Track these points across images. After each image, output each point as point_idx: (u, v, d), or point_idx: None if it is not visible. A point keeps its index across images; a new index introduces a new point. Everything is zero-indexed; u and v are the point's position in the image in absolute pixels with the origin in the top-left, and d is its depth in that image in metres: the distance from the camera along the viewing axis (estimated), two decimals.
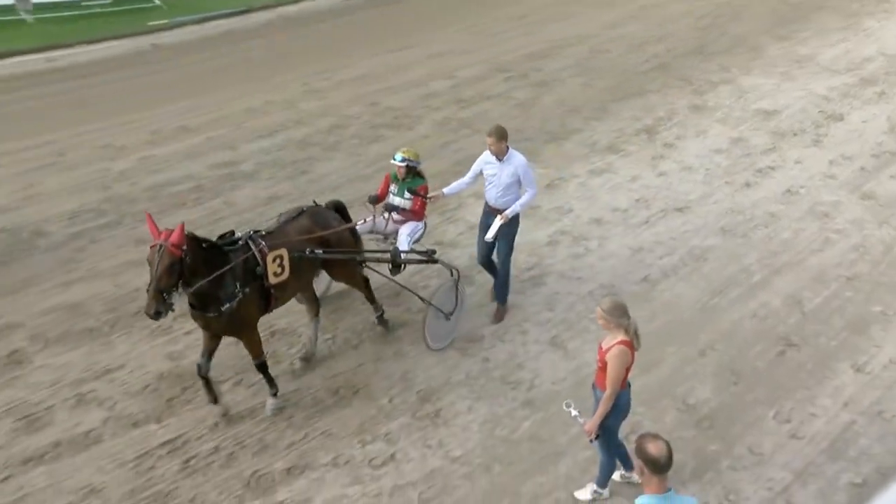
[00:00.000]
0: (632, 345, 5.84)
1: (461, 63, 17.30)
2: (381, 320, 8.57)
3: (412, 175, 8.46)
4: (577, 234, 10.57)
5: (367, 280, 8.39)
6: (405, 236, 8.41)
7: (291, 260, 7.06)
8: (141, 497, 6.63)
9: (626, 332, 5.84)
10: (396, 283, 8.44)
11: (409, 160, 8.37)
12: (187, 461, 6.98)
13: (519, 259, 9.92)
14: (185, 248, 6.26)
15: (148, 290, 6.19)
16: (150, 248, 6.25)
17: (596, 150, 13.05)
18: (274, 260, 6.91)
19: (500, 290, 8.80)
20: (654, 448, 4.50)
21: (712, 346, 8.39)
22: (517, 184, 8.19)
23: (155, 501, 6.60)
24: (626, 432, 7.10)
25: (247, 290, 6.81)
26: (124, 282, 9.61)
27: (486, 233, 8.30)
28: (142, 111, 15.19)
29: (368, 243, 8.80)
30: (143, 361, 8.24)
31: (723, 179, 12.01)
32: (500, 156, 8.13)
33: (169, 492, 6.68)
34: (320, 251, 7.45)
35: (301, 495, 6.65)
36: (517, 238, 8.62)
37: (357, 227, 8.46)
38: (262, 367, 7.37)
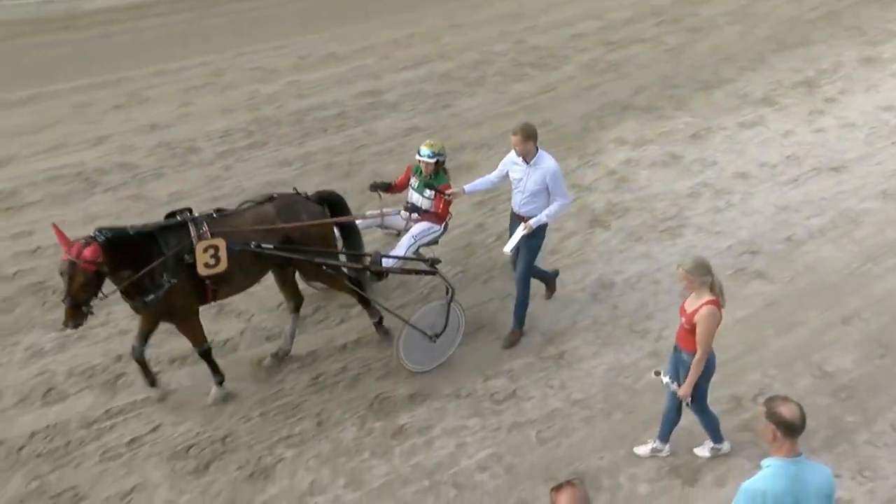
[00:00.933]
0: (719, 303, 5.60)
1: (612, 4, 16.77)
2: (382, 333, 7.60)
3: (437, 171, 7.60)
4: (719, 187, 10.14)
5: (359, 283, 7.38)
6: (408, 238, 7.54)
7: (231, 252, 6.33)
8: (271, 406, 6.93)
9: (712, 290, 5.60)
10: (362, 293, 7.39)
11: (438, 154, 7.50)
12: (316, 378, 7.23)
13: (658, 208, 9.66)
14: (100, 260, 5.77)
15: (63, 302, 5.86)
16: (62, 259, 5.80)
17: (748, 101, 12.42)
18: (206, 250, 6.20)
19: (517, 312, 7.64)
20: (786, 410, 4.30)
21: (859, 315, 7.91)
22: (545, 192, 7.15)
23: (283, 412, 6.88)
24: (755, 394, 6.88)
25: (174, 280, 6.16)
26: None
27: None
28: (292, 37, 15.57)
29: (374, 241, 8.35)
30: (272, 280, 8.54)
31: (889, 139, 11.19)
32: (526, 157, 7.09)
33: (297, 404, 6.95)
34: (270, 246, 6.56)
35: (422, 422, 6.78)
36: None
37: (363, 222, 7.75)
38: (205, 355, 6.80)
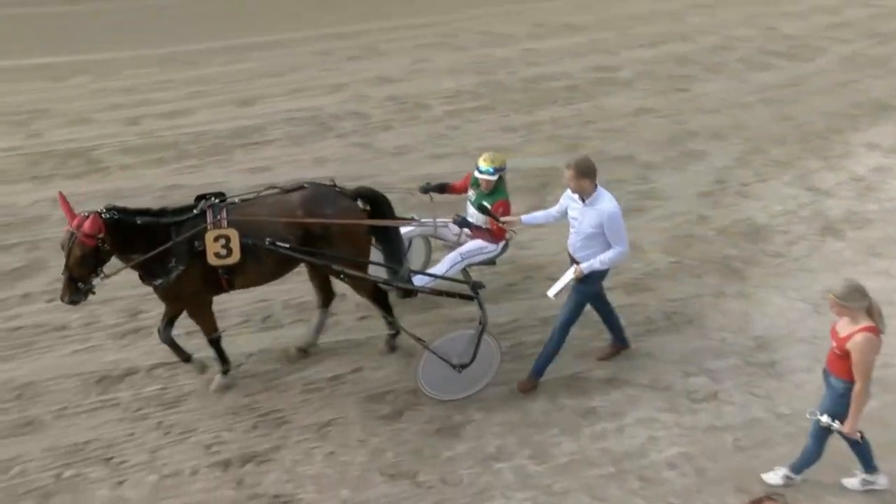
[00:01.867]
0: (878, 330, 5.03)
1: None
2: (391, 340, 7.07)
3: (497, 185, 6.82)
4: None
5: (381, 293, 6.74)
6: (454, 255, 6.87)
7: (244, 245, 5.99)
8: None
9: (870, 315, 5.06)
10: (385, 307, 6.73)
11: (500, 170, 6.73)
12: (514, 346, 7.21)
13: None
14: (100, 235, 5.60)
15: (62, 274, 5.76)
16: (64, 230, 5.70)
17: None
18: (216, 239, 5.92)
19: (540, 359, 6.76)
20: None
21: None
22: (602, 236, 6.21)
23: None
24: None
25: (182, 266, 5.95)
26: None
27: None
28: (529, 3, 15.53)
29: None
30: None
31: None
32: (583, 195, 6.18)
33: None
34: (285, 245, 6.12)
35: (615, 407, 6.60)
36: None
37: (407, 229, 7.04)
38: (213, 343, 6.57)
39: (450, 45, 13.88)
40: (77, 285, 5.69)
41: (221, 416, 6.44)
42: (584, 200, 6.20)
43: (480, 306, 6.50)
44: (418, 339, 6.48)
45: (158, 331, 6.59)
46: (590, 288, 6.50)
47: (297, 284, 7.88)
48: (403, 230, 6.95)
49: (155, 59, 14.23)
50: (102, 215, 5.68)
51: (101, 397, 6.63)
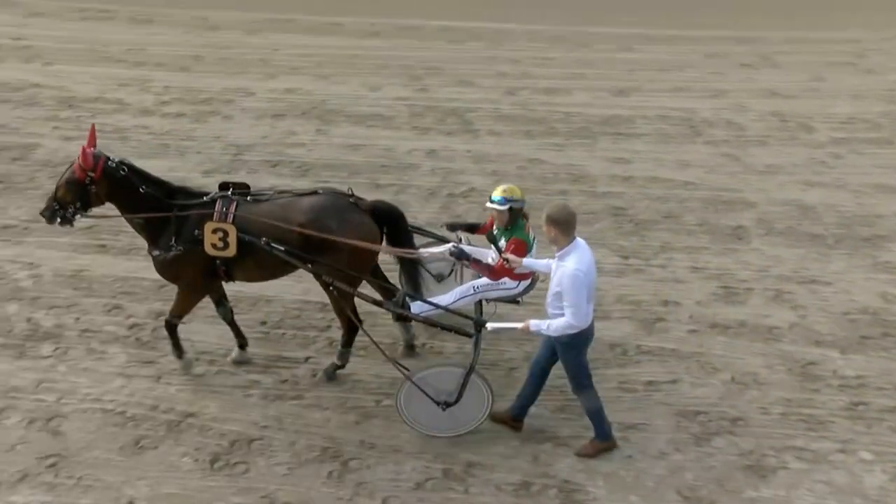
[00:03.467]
0: None
1: None
2: (330, 369, 6.72)
3: (516, 220, 6.17)
4: None
5: (351, 322, 6.40)
6: (466, 287, 6.29)
7: (241, 240, 5.99)
8: (795, 410, 6.39)
9: None
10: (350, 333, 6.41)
11: (512, 201, 6.07)
12: (856, 405, 6.45)
13: None
14: (91, 174, 5.90)
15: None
16: None
17: None
18: (214, 231, 6.00)
19: (593, 423, 6.02)
20: None
21: None
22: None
23: (807, 422, 6.28)
24: None
25: (180, 247, 6.09)
26: (867, 203, 9.13)
27: None
28: None
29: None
30: (852, 287, 7.81)
31: None
32: (556, 247, 5.46)
33: (824, 421, 6.25)
34: (280, 248, 5.97)
35: None
36: None
37: (425, 254, 6.56)
38: (169, 328, 6.56)
39: (857, 67, 12.71)
40: (54, 205, 6.08)
41: None
42: (557, 254, 5.54)
43: (475, 346, 6.01)
44: (399, 367, 6.10)
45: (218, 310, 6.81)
46: (569, 355, 5.74)
47: (638, 282, 7.76)
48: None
49: (546, 36, 14.74)
50: (108, 162, 6.00)
51: (432, 341, 7.05)
